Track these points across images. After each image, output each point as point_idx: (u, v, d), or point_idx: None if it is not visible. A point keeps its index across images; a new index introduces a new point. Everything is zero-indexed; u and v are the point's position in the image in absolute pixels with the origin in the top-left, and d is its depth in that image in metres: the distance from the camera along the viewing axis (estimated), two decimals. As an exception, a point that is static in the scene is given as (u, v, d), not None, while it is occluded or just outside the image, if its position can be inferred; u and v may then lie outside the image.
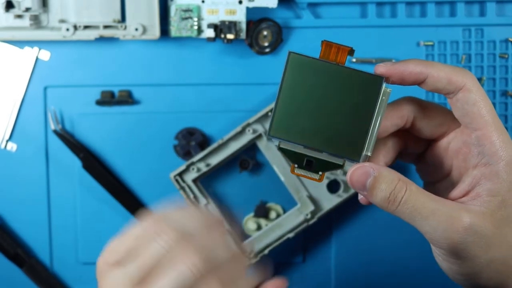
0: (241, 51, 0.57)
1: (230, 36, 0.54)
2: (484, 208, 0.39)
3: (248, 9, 0.55)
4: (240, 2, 0.54)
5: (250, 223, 0.57)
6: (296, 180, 0.56)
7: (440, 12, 0.57)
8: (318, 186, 0.56)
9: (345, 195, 0.56)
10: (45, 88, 0.57)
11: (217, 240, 0.38)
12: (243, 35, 0.55)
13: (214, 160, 0.56)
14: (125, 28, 0.54)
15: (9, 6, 0.53)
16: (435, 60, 0.57)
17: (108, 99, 0.57)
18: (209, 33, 0.54)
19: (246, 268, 0.40)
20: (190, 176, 0.56)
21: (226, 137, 0.55)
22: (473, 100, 0.40)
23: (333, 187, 0.56)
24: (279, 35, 0.56)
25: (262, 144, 0.56)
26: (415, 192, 0.39)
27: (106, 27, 0.54)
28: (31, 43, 0.57)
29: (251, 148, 0.57)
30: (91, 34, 0.54)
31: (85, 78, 0.57)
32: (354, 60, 0.57)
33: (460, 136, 0.42)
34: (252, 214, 0.58)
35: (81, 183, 0.58)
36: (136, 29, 0.54)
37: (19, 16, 0.54)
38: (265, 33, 0.56)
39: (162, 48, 0.57)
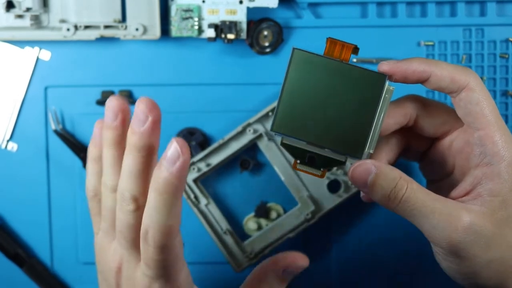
0: (242, 51, 0.57)
1: (230, 36, 0.54)
2: (484, 208, 0.39)
3: (248, 9, 0.55)
4: (241, 2, 0.54)
5: (250, 223, 0.57)
6: (296, 180, 0.56)
7: (441, 12, 0.57)
8: (318, 186, 0.56)
9: (345, 195, 0.56)
10: (46, 88, 0.57)
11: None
12: (243, 35, 0.55)
13: (215, 160, 0.56)
14: (126, 28, 0.54)
15: (9, 6, 0.53)
16: (436, 60, 0.57)
17: (108, 99, 0.57)
18: (210, 33, 0.54)
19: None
20: (190, 176, 0.55)
21: (226, 137, 0.55)
22: (476, 99, 0.40)
23: (333, 187, 0.56)
24: (280, 35, 0.56)
25: (263, 144, 0.56)
26: (416, 190, 0.39)
27: (106, 27, 0.54)
28: (31, 43, 0.57)
29: (252, 148, 0.57)
30: (92, 34, 0.54)
31: (85, 78, 0.57)
32: (354, 60, 0.57)
33: (463, 135, 0.42)
34: (252, 214, 0.58)
35: (81, 183, 0.58)
36: (137, 29, 0.54)
37: (20, 16, 0.54)
38: (265, 33, 0.56)
39: (162, 48, 0.57)
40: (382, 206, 0.40)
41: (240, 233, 0.56)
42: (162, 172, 0.35)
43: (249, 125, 0.55)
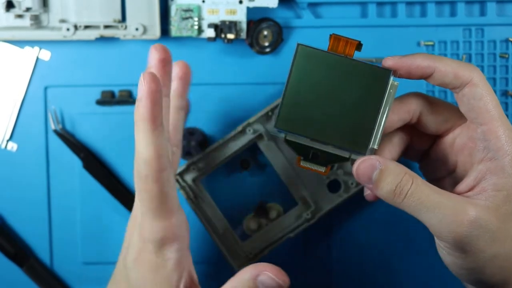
0: (242, 51, 0.57)
1: (230, 36, 0.54)
2: (489, 203, 0.39)
3: (248, 9, 0.55)
4: (241, 2, 0.54)
5: (250, 223, 0.57)
6: (296, 180, 0.56)
7: (441, 12, 0.57)
8: (318, 186, 0.56)
9: (345, 195, 0.56)
10: (46, 88, 0.57)
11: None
12: (243, 35, 0.55)
13: (215, 160, 0.56)
14: (126, 28, 0.54)
15: (9, 6, 0.53)
16: (436, 60, 0.57)
17: (108, 99, 0.57)
18: (210, 33, 0.54)
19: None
20: (190, 176, 0.55)
21: (226, 137, 0.55)
22: (479, 94, 0.40)
23: (333, 187, 0.56)
24: (280, 35, 0.56)
25: (263, 144, 0.56)
26: (421, 185, 0.39)
27: (106, 27, 0.54)
28: (31, 43, 0.57)
29: (252, 148, 0.57)
30: (92, 34, 0.54)
31: (85, 78, 0.57)
32: (354, 59, 0.57)
33: (466, 131, 0.42)
34: (252, 214, 0.58)
35: (81, 183, 0.58)
36: (137, 29, 0.54)
37: (20, 16, 0.54)
38: (265, 33, 0.56)
39: (162, 48, 0.57)
40: (387, 202, 0.40)
41: (240, 233, 0.56)
42: (135, 106, 0.40)
43: (249, 125, 0.55)
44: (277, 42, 0.56)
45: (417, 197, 0.39)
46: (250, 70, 0.57)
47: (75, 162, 0.57)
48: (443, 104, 0.43)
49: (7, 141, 0.57)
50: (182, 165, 0.55)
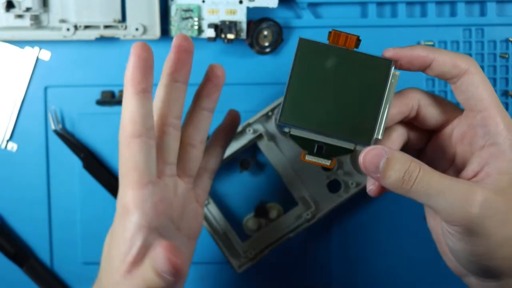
0: (242, 51, 0.57)
1: (230, 36, 0.54)
2: (495, 186, 0.39)
3: (248, 9, 0.55)
4: (241, 2, 0.54)
5: (250, 223, 0.57)
6: (296, 180, 0.56)
7: (441, 12, 0.57)
8: (318, 186, 0.56)
9: (345, 195, 0.56)
10: (46, 88, 0.57)
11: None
12: (243, 35, 0.55)
13: (215, 160, 0.56)
14: (126, 28, 0.54)
15: (9, 6, 0.53)
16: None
17: (108, 99, 0.57)
18: (210, 33, 0.54)
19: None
20: (190, 176, 0.55)
21: (226, 137, 0.55)
22: (477, 82, 0.41)
23: (333, 187, 0.56)
24: (280, 35, 0.56)
25: (263, 144, 0.56)
26: (429, 171, 0.39)
27: (106, 27, 0.54)
28: (31, 43, 0.57)
29: (252, 148, 0.57)
30: (92, 34, 0.54)
31: (85, 78, 0.57)
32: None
33: (464, 120, 0.42)
34: (252, 214, 0.58)
35: (81, 183, 0.58)
36: (137, 29, 0.54)
37: (20, 16, 0.54)
38: (265, 33, 0.56)
39: (162, 48, 0.57)
40: (394, 191, 0.40)
41: (240, 233, 0.56)
42: None
43: (249, 125, 0.55)
44: (277, 42, 0.56)
45: (426, 182, 0.39)
46: (250, 70, 0.57)
47: (75, 162, 0.57)
48: (440, 98, 0.44)
49: (7, 141, 0.57)
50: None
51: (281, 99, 0.55)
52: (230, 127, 0.51)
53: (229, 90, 0.57)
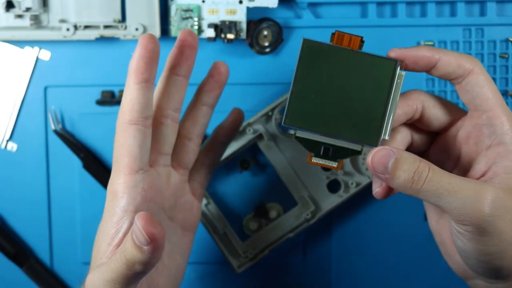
0: (242, 51, 0.57)
1: (230, 36, 0.54)
2: (504, 185, 0.39)
3: (248, 9, 0.55)
4: (241, 2, 0.54)
5: (250, 223, 0.57)
6: (296, 180, 0.56)
7: (441, 12, 0.57)
8: (318, 186, 0.56)
9: (345, 195, 0.56)
10: (46, 88, 0.57)
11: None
12: (243, 35, 0.55)
13: (215, 160, 0.56)
14: (126, 28, 0.54)
15: (9, 6, 0.53)
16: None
17: (108, 99, 0.57)
18: (210, 33, 0.54)
19: None
20: (190, 176, 0.55)
21: (226, 137, 0.55)
22: (482, 82, 0.41)
23: (333, 187, 0.56)
24: (280, 35, 0.56)
25: (263, 144, 0.56)
26: (438, 171, 0.39)
27: (106, 27, 0.54)
28: (31, 43, 0.57)
29: (252, 148, 0.57)
30: (92, 34, 0.54)
31: (85, 78, 0.57)
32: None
33: (469, 121, 0.42)
34: (252, 214, 0.58)
35: (81, 183, 0.58)
36: (137, 29, 0.54)
37: (20, 16, 0.54)
38: (265, 33, 0.56)
39: (162, 48, 0.56)
40: (403, 192, 0.39)
41: (240, 233, 0.56)
42: None
43: (249, 125, 0.55)
44: (277, 42, 0.56)
45: (436, 181, 0.38)
46: (250, 70, 0.57)
47: (75, 162, 0.57)
48: (443, 99, 0.44)
49: (7, 141, 0.57)
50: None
51: (281, 99, 0.55)
52: (232, 124, 0.51)
53: (229, 90, 0.57)
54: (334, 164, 0.41)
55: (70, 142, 0.57)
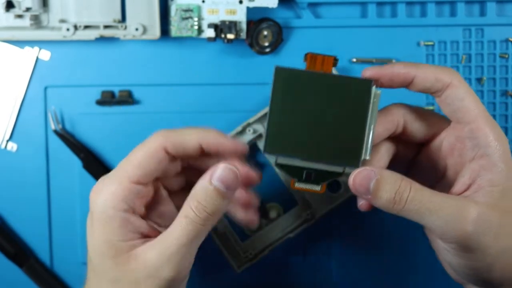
0: (242, 51, 0.57)
1: (230, 36, 0.54)
2: (488, 199, 0.39)
3: (248, 9, 0.55)
4: (241, 2, 0.54)
5: (250, 223, 0.57)
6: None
7: (440, 12, 0.57)
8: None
9: (345, 195, 0.56)
10: (46, 88, 0.57)
11: None
12: (243, 35, 0.55)
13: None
14: (126, 28, 0.54)
15: (9, 6, 0.53)
16: (436, 61, 0.57)
17: (108, 99, 0.57)
18: (210, 33, 0.54)
19: None
20: (190, 176, 0.55)
21: (226, 137, 0.55)
22: (462, 94, 0.40)
23: (333, 187, 0.56)
24: (280, 35, 0.56)
25: (263, 144, 0.56)
26: (419, 189, 0.39)
27: (106, 27, 0.54)
28: (31, 43, 0.57)
29: (252, 148, 0.57)
30: (92, 34, 0.54)
31: (85, 78, 0.57)
32: (354, 60, 0.57)
33: (452, 133, 0.42)
34: (252, 214, 0.57)
35: (81, 183, 0.58)
36: (137, 29, 0.54)
37: (20, 16, 0.54)
38: (265, 33, 0.56)
39: (162, 48, 0.57)
40: (386, 211, 0.40)
41: (240, 233, 0.56)
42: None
43: (249, 125, 0.55)
44: (277, 42, 0.56)
45: (418, 201, 0.38)
46: (250, 70, 0.57)
47: (75, 162, 0.57)
48: (426, 111, 0.44)
49: (7, 141, 0.57)
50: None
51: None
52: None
53: (229, 90, 0.58)
54: (317, 188, 0.41)
55: (70, 142, 0.57)
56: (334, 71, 0.40)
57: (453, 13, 0.57)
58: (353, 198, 0.56)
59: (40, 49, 0.57)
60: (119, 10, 0.54)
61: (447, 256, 0.41)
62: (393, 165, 0.46)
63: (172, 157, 0.43)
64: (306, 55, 0.40)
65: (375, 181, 0.39)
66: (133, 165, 0.42)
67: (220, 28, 0.54)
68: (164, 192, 0.46)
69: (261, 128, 0.55)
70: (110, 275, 0.41)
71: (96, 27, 0.54)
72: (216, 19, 0.55)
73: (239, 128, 0.55)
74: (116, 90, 0.57)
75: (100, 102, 0.57)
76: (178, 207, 0.43)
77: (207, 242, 0.56)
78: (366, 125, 0.39)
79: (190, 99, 0.57)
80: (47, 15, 0.55)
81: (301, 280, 0.58)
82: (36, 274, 0.57)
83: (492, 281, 0.40)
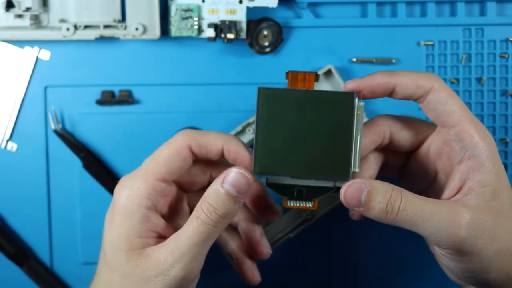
0: (242, 51, 0.57)
1: (230, 35, 0.54)
2: (479, 201, 0.39)
3: (248, 8, 0.55)
4: (241, 2, 0.54)
5: (250, 223, 0.57)
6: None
7: (440, 11, 0.57)
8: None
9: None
10: (46, 88, 0.57)
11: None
12: (243, 34, 0.55)
13: (215, 160, 0.56)
14: (126, 27, 0.54)
15: (9, 5, 0.53)
16: (436, 60, 0.57)
17: (108, 99, 0.57)
18: (210, 32, 0.54)
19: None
20: (190, 176, 0.55)
21: (226, 137, 0.55)
22: (444, 99, 0.40)
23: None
24: (280, 35, 0.56)
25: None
26: (411, 198, 0.39)
27: (106, 26, 0.54)
28: (31, 42, 0.57)
29: (252, 147, 0.57)
30: (92, 34, 0.54)
31: (85, 78, 0.57)
32: (354, 59, 0.57)
33: (438, 137, 0.42)
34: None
35: (81, 183, 0.58)
36: (137, 29, 0.54)
37: (19, 16, 0.54)
38: (265, 32, 0.56)
39: (162, 47, 0.57)
40: (379, 221, 0.40)
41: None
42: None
43: (249, 125, 0.55)
44: (277, 42, 0.56)
45: (410, 209, 0.38)
46: (250, 70, 0.57)
47: (75, 162, 0.57)
48: (411, 119, 0.44)
49: (7, 141, 0.57)
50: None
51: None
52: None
53: (229, 90, 0.58)
54: (309, 204, 0.41)
55: (70, 142, 0.57)
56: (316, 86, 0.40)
57: (453, 13, 0.57)
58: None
59: (40, 49, 0.57)
60: (119, 10, 0.54)
61: (444, 260, 0.41)
62: (383, 173, 0.46)
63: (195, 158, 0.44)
64: (287, 73, 0.40)
65: (366, 192, 0.39)
66: (158, 162, 0.42)
67: (220, 28, 0.54)
68: (182, 195, 0.46)
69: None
70: (121, 269, 0.41)
71: (96, 27, 0.54)
72: (216, 19, 0.55)
73: (239, 128, 0.55)
74: (116, 90, 0.57)
75: (100, 102, 0.57)
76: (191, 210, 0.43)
77: (207, 242, 0.56)
78: (353, 138, 0.39)
79: (190, 99, 0.57)
80: (47, 15, 0.55)
81: (301, 280, 0.58)
82: (36, 274, 0.57)
83: (490, 282, 0.40)
